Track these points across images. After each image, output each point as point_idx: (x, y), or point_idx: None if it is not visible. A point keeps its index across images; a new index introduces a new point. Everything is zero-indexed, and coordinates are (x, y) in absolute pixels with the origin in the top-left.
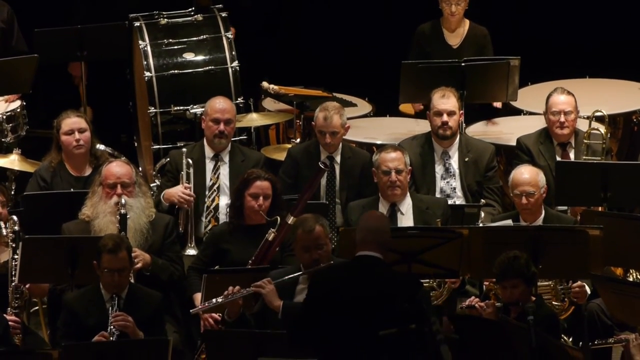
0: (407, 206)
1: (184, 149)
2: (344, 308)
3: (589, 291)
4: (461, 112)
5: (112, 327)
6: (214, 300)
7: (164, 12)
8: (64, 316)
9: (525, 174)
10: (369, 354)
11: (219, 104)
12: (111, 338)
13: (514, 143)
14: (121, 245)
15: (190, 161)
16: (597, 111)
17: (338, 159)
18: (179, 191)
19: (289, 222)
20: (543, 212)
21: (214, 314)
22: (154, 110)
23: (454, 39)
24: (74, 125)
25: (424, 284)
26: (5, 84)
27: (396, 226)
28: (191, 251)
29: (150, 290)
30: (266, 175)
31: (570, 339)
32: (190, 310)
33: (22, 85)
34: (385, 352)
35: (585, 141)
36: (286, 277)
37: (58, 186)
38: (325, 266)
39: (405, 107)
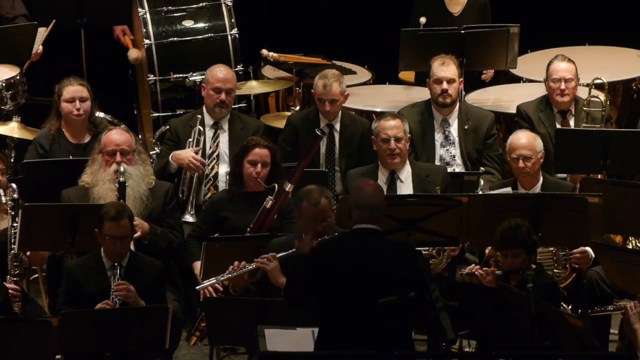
0: (406, 174)
1: (199, 127)
2: (345, 279)
3: (592, 255)
4: (461, 79)
5: (113, 295)
6: (219, 277)
7: None
8: (65, 283)
9: (523, 138)
10: (369, 323)
11: (221, 73)
12: (114, 306)
13: (513, 111)
14: (123, 213)
15: (202, 129)
16: (596, 79)
17: (337, 126)
18: (190, 156)
19: (287, 189)
20: (541, 178)
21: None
22: (154, 78)
23: (455, 7)
24: (75, 93)
25: (424, 252)
26: (6, 51)
27: (396, 194)
28: (189, 218)
29: (151, 259)
30: (265, 142)
31: (570, 307)
32: (196, 287)
33: (22, 53)
34: (384, 319)
35: (585, 109)
36: (290, 252)
37: (57, 154)
38: (326, 239)
39: (405, 75)
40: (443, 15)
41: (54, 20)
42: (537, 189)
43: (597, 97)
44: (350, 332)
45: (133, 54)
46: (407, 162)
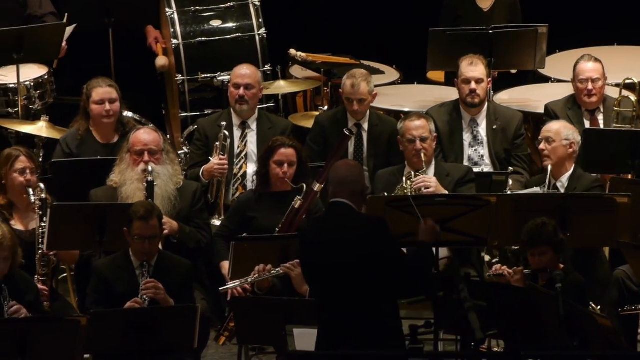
0: (431, 174)
1: (223, 123)
2: (325, 260)
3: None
4: (489, 79)
5: (142, 294)
6: (244, 279)
7: None
8: (93, 282)
9: (554, 125)
10: (353, 297)
11: (241, 70)
12: (143, 305)
13: (542, 111)
14: (152, 213)
15: (227, 133)
16: (627, 79)
17: (365, 126)
18: (214, 164)
19: (315, 189)
20: (571, 169)
21: None
22: (182, 77)
23: (485, 2)
24: (105, 95)
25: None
26: (34, 51)
27: (423, 194)
28: (217, 222)
29: (180, 258)
30: (291, 142)
31: (599, 307)
32: (220, 288)
33: (51, 53)
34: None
35: (616, 109)
36: None
37: (84, 154)
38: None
39: (434, 74)
40: (473, 11)
41: (75, 25)
42: (565, 177)
43: (627, 97)
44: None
45: (160, 61)
46: (433, 162)
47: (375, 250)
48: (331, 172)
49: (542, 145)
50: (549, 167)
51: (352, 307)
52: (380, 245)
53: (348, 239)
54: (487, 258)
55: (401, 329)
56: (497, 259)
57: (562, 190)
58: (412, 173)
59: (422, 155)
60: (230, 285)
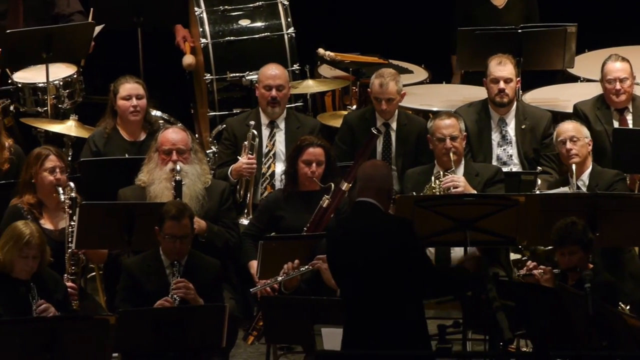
0: (460, 173)
1: (252, 122)
2: (351, 259)
3: None
4: (518, 79)
5: (173, 293)
6: (273, 279)
7: None
8: (123, 281)
9: (568, 124)
10: (381, 298)
11: (270, 71)
12: (174, 304)
13: (570, 110)
14: (184, 212)
15: (256, 132)
16: None
17: (394, 125)
18: (242, 163)
19: (343, 188)
20: (590, 166)
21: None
22: (210, 77)
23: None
24: (132, 91)
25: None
26: (63, 50)
27: (452, 193)
28: (245, 221)
29: (209, 258)
30: (319, 141)
31: (628, 307)
32: (251, 290)
33: (80, 52)
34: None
35: None
36: None
37: (111, 152)
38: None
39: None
40: (486, 9)
41: (103, 25)
42: (586, 176)
43: None
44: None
45: (187, 59)
46: (463, 161)
47: (400, 249)
48: (358, 171)
49: (568, 145)
50: (573, 167)
51: (377, 306)
52: (404, 245)
53: (373, 238)
54: (516, 256)
55: (426, 328)
56: (524, 258)
57: (584, 188)
58: (441, 172)
59: (452, 154)
60: (260, 286)
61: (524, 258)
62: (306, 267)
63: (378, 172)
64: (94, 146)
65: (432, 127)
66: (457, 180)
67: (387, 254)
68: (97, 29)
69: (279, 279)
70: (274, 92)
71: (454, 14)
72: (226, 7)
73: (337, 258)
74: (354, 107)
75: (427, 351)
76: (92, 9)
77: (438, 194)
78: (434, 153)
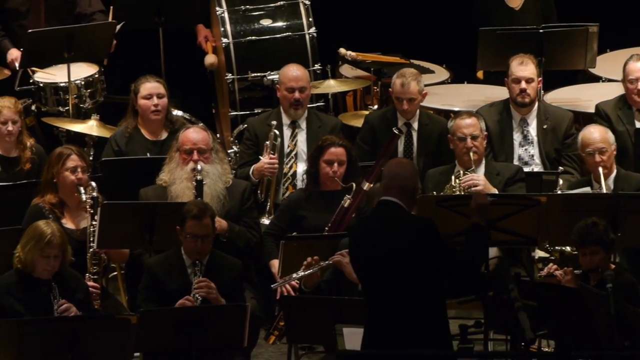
0: (481, 173)
1: (274, 122)
2: (374, 256)
3: None
4: (540, 79)
5: (195, 292)
6: (294, 274)
7: None
8: (145, 280)
9: (595, 132)
10: (401, 298)
11: (292, 72)
12: (196, 303)
13: (592, 110)
14: (206, 212)
15: (277, 132)
16: None
17: (415, 125)
18: (264, 163)
19: (365, 188)
20: (615, 170)
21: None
22: (232, 76)
23: (515, 1)
24: (152, 90)
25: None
26: (84, 50)
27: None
28: (266, 221)
29: (231, 257)
30: (340, 141)
31: None
32: (272, 285)
33: (101, 52)
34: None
35: None
36: None
37: (133, 151)
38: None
39: (482, 73)
40: (503, 11)
41: (123, 22)
42: (611, 180)
43: None
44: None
45: (209, 59)
46: (483, 161)
47: (423, 249)
48: (384, 169)
49: (597, 159)
50: (600, 172)
51: (398, 305)
52: (427, 245)
53: (395, 238)
54: (541, 254)
55: (448, 328)
56: (552, 257)
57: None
58: (461, 172)
59: (472, 153)
60: (282, 281)
61: (551, 257)
62: (327, 261)
63: (403, 171)
64: (116, 145)
65: (452, 127)
66: (477, 178)
67: (409, 253)
68: (117, 26)
69: (300, 274)
70: (296, 95)
71: (472, 17)
72: (247, 6)
73: (359, 257)
74: (376, 107)
75: (448, 351)
76: (112, 7)
77: (458, 193)
78: (455, 152)
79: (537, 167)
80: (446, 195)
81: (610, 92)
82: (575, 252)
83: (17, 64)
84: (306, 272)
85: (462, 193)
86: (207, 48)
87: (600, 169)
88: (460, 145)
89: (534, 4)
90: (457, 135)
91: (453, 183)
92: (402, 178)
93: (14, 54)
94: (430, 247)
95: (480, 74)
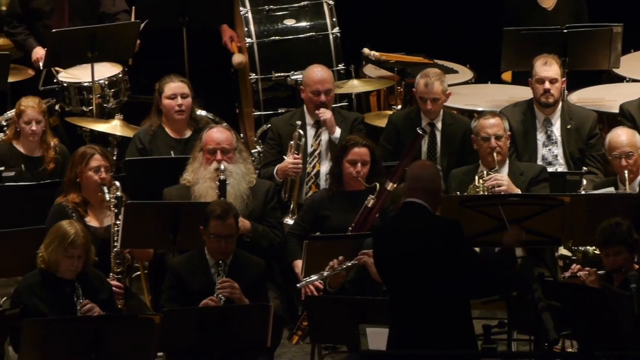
0: (504, 173)
1: (298, 122)
2: (397, 258)
3: None
4: (563, 79)
5: (218, 292)
6: (319, 274)
7: None
8: (168, 280)
9: (622, 135)
10: (426, 298)
11: (317, 74)
12: (219, 303)
13: (616, 110)
14: (229, 212)
15: (302, 132)
16: None
17: (439, 125)
18: (288, 163)
19: (388, 188)
20: None
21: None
22: (255, 76)
23: (548, 1)
24: (177, 89)
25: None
26: (108, 50)
27: (497, 193)
28: (290, 221)
29: (254, 257)
30: (363, 141)
31: None
32: (297, 284)
33: (125, 52)
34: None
35: None
36: None
37: (157, 149)
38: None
39: (508, 76)
40: (536, 12)
41: (147, 20)
42: (636, 183)
43: None
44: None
45: (237, 58)
46: (507, 161)
47: (448, 251)
48: (407, 171)
49: (624, 162)
50: (626, 174)
51: (423, 306)
52: (453, 246)
53: (422, 239)
54: (563, 252)
55: (472, 328)
56: (574, 257)
57: None
58: (485, 172)
59: (496, 153)
60: (307, 280)
61: (573, 257)
62: (352, 261)
63: (427, 173)
64: (140, 143)
65: (476, 127)
66: (500, 179)
67: (435, 253)
68: (141, 25)
69: (325, 274)
70: (322, 97)
71: (504, 18)
72: (271, 6)
73: (384, 258)
74: (399, 107)
75: (471, 351)
76: (133, 7)
77: (481, 193)
78: (478, 152)
79: (560, 167)
80: (470, 195)
81: (634, 92)
82: (599, 253)
83: (41, 64)
84: (333, 272)
85: (486, 193)
86: (233, 48)
87: (626, 173)
88: (484, 145)
89: (567, 4)
90: (480, 135)
91: (477, 183)
92: (426, 180)
93: (39, 53)
94: (456, 248)
95: (506, 76)
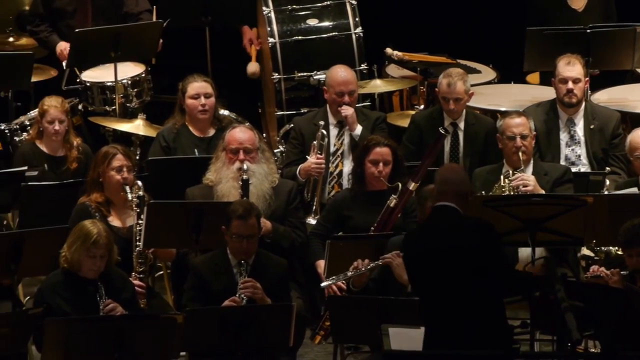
0: (529, 172)
1: (321, 122)
2: (433, 261)
3: None
4: (587, 79)
5: (240, 292)
6: (342, 274)
7: None
8: (191, 280)
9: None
10: (463, 299)
11: (341, 75)
12: (241, 303)
13: (639, 110)
14: (251, 212)
15: (325, 132)
16: None
17: (462, 125)
18: (311, 163)
19: (410, 188)
20: None
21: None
22: (278, 76)
23: (578, 2)
24: (200, 89)
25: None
26: (131, 49)
27: (520, 193)
28: (313, 221)
29: (277, 257)
30: (385, 141)
31: None
32: (321, 284)
33: (148, 51)
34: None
35: None
36: None
37: (181, 147)
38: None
39: (532, 78)
40: (566, 13)
41: (169, 20)
42: None
43: None
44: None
45: (251, 68)
46: (532, 161)
47: (485, 251)
48: (436, 175)
49: None
50: None
51: (459, 308)
52: (488, 246)
53: (457, 241)
54: (585, 252)
55: (508, 328)
56: (596, 257)
57: None
58: (510, 172)
59: (521, 153)
60: (330, 281)
61: (596, 257)
62: (376, 262)
63: (456, 176)
64: (164, 141)
65: (502, 126)
66: (527, 179)
67: (472, 255)
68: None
69: (349, 274)
70: (346, 98)
71: (531, 19)
72: (294, 6)
73: (418, 263)
74: (422, 106)
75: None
76: (154, 7)
77: (507, 193)
78: (503, 152)
79: (584, 167)
80: (493, 195)
81: None
82: (621, 253)
83: (64, 63)
84: (356, 273)
85: (512, 193)
86: (251, 52)
87: None
88: (509, 144)
89: (597, 4)
90: (506, 134)
91: (502, 183)
92: (456, 183)
93: (63, 46)
94: (492, 248)
95: (533, 78)
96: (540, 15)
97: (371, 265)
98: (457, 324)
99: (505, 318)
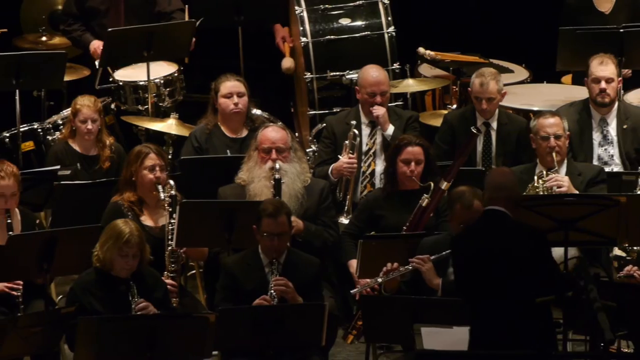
0: (563, 173)
1: (353, 121)
2: (483, 265)
3: None
4: (620, 78)
5: (272, 291)
6: (373, 280)
7: None
8: (223, 279)
9: None
10: (513, 305)
11: (373, 76)
12: (273, 302)
13: None
14: (281, 210)
15: (357, 132)
16: None
17: (494, 125)
18: (343, 162)
19: (443, 187)
20: None
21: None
22: (310, 75)
23: (605, 5)
24: (233, 88)
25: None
26: (164, 48)
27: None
28: (345, 220)
29: (309, 256)
30: (417, 140)
31: None
32: (351, 291)
33: (180, 50)
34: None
35: None
36: (444, 253)
37: (213, 148)
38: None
39: (566, 80)
40: (594, 17)
41: (202, 18)
42: None
43: None
44: (494, 321)
45: (286, 63)
46: (565, 161)
47: (536, 255)
48: (486, 179)
49: None
50: None
51: (509, 309)
52: (539, 250)
53: (508, 246)
54: (618, 252)
55: (554, 328)
56: (630, 258)
57: None
58: (544, 172)
59: (555, 153)
60: (360, 287)
61: (628, 257)
62: (406, 267)
63: (508, 181)
64: (196, 141)
65: (535, 126)
66: (561, 180)
67: (522, 261)
68: (197, 23)
69: (379, 280)
70: (378, 99)
71: (563, 22)
72: (326, 5)
73: (468, 264)
74: (454, 106)
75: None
76: (186, 6)
77: (541, 193)
78: (537, 152)
79: (616, 167)
80: (526, 195)
81: None
82: None
83: (99, 53)
84: (386, 278)
85: (545, 193)
86: (284, 49)
87: None
88: (543, 144)
89: (624, 7)
90: (540, 134)
91: (536, 183)
92: (508, 188)
93: (97, 44)
94: (544, 257)
95: (567, 79)
96: (568, 19)
97: (401, 269)
98: (506, 323)
99: (552, 318)
